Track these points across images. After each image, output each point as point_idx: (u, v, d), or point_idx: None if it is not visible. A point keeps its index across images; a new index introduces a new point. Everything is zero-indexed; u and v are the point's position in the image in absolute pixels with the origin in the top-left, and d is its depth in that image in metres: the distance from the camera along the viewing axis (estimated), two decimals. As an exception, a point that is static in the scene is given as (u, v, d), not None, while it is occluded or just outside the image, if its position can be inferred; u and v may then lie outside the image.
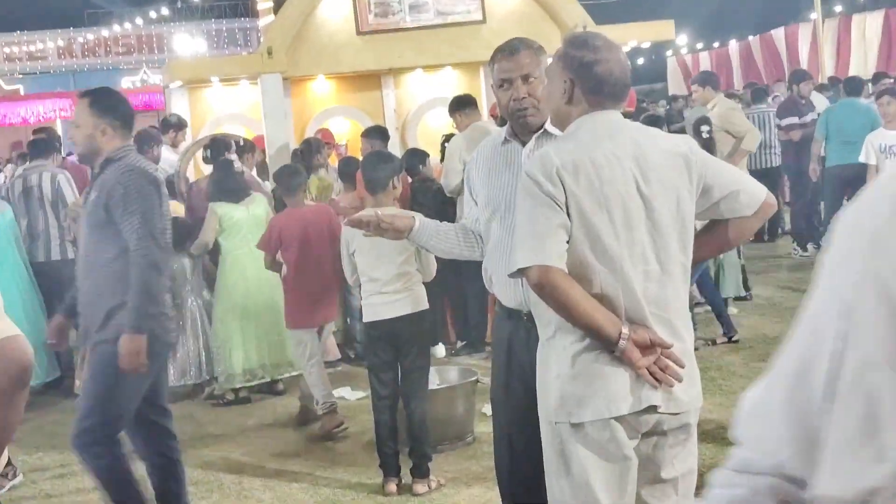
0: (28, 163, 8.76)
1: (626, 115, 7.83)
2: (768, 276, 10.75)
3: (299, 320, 6.67)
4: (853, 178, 9.82)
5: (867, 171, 9.66)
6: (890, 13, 25.14)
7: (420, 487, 5.29)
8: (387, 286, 5.33)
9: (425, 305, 5.47)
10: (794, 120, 11.89)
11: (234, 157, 8.41)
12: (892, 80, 14.63)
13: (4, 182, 9.90)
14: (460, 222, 3.93)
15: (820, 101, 12.85)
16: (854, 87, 11.76)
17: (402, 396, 5.45)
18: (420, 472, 5.35)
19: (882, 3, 30.82)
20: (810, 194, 11.86)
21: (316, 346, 6.64)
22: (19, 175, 8.45)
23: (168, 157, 9.37)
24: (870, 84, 15.23)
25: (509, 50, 3.60)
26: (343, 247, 5.59)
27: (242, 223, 7.38)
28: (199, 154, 9.57)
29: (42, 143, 8.65)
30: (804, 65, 23.31)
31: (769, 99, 13.74)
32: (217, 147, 8.41)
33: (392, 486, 5.37)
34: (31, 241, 8.07)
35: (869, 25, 25.02)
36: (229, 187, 7.46)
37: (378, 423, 5.49)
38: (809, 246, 11.51)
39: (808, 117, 11.84)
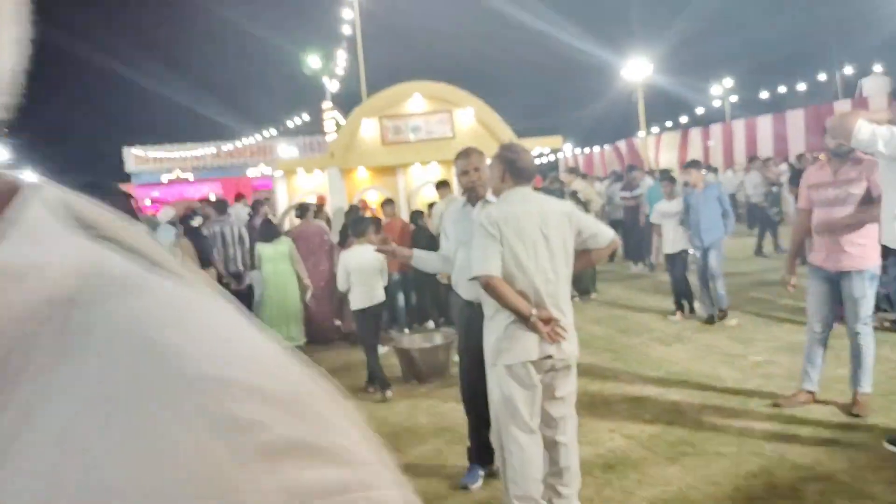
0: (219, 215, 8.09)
1: (535, 188, 8.29)
2: (615, 282, 11.17)
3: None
4: None
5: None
6: (687, 131, 27.07)
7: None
8: (369, 289, 5.88)
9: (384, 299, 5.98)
10: (627, 193, 12.02)
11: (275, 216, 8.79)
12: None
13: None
14: (440, 252, 4.06)
15: (645, 183, 12.49)
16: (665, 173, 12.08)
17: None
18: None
19: (678, 127, 32.80)
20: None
21: None
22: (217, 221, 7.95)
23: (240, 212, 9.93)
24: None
25: (465, 154, 3.86)
26: (341, 269, 5.94)
27: (271, 255, 7.56)
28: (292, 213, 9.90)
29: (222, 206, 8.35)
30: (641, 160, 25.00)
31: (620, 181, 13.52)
32: (301, 209, 8.57)
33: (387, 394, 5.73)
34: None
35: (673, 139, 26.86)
36: (267, 233, 7.73)
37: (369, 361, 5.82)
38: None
39: (637, 192, 11.90)
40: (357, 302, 5.96)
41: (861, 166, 4.31)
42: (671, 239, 7.82)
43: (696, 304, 7.85)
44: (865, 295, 4.34)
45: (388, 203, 9.00)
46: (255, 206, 9.89)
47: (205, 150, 34.59)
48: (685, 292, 7.95)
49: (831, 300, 4.52)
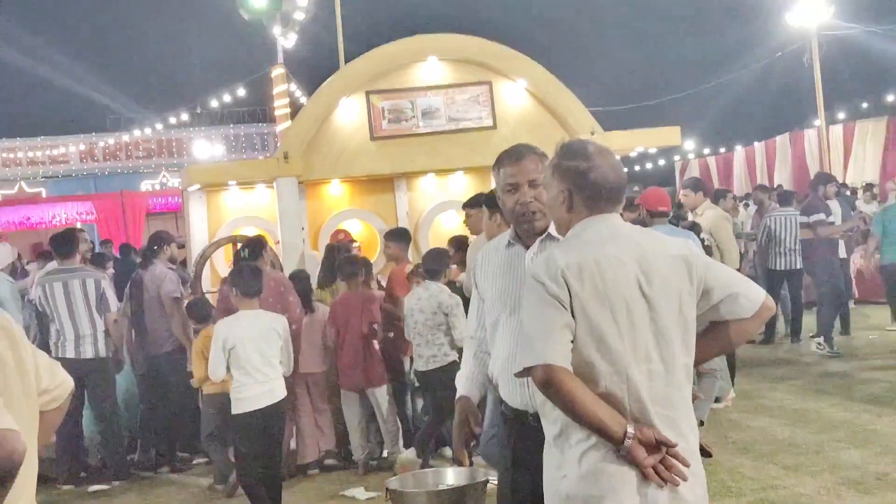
0: (57, 263, 9.22)
1: (662, 214, 8.30)
2: (783, 380, 11.06)
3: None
4: None
5: None
6: (893, 121, 26.39)
7: None
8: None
9: None
10: (822, 216, 12.56)
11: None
12: None
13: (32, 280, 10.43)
14: (472, 346, 4.17)
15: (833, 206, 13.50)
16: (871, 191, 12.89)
17: None
18: None
19: (884, 111, 32.43)
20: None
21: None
22: (53, 274, 8.95)
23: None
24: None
25: (515, 155, 3.89)
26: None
27: None
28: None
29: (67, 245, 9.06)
30: (811, 170, 24.42)
31: (794, 201, 14.24)
32: (253, 247, 8.85)
33: None
34: (77, 339, 8.65)
35: (873, 130, 26.59)
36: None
37: None
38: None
39: (831, 217, 12.59)
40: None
41: None
42: None
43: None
44: None
45: (396, 236, 9.22)
46: (154, 244, 9.94)
47: (68, 147, 34.87)
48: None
49: None
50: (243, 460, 6.93)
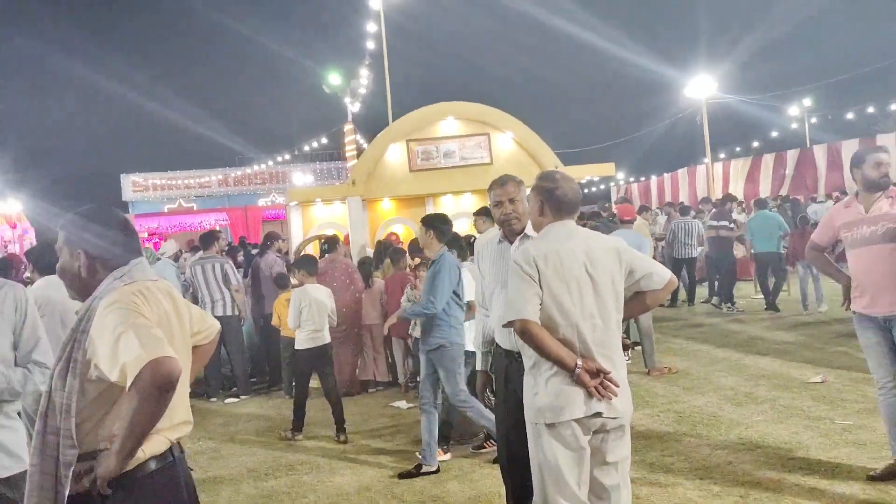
0: (202, 252, 9.28)
1: (628, 222, 8.31)
2: (682, 329, 11.02)
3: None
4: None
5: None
6: (755, 159, 26.37)
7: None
8: None
9: None
10: (725, 223, 12.61)
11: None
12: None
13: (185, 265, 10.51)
14: (484, 304, 4.10)
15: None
16: (762, 203, 12.83)
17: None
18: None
19: (749, 153, 32.68)
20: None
21: None
22: (198, 261, 9.01)
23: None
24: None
25: (500, 182, 3.92)
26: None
27: None
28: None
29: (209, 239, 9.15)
30: (701, 194, 24.84)
31: (691, 212, 14.46)
32: (330, 242, 9.07)
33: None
34: (212, 303, 8.69)
35: (742, 166, 26.77)
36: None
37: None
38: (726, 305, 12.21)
39: (723, 222, 12.61)
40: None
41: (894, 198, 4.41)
42: None
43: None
44: None
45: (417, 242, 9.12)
46: (267, 241, 9.98)
47: (210, 177, 35.49)
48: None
49: (890, 350, 4.45)
50: (298, 380, 6.99)
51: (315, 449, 6.53)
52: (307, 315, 6.78)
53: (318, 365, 6.86)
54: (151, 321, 2.22)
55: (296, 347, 6.90)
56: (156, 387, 2.07)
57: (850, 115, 37.18)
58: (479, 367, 4.19)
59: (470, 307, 5.74)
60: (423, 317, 5.58)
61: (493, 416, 5.21)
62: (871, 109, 36.88)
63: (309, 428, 7.02)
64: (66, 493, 2.14)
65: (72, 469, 2.14)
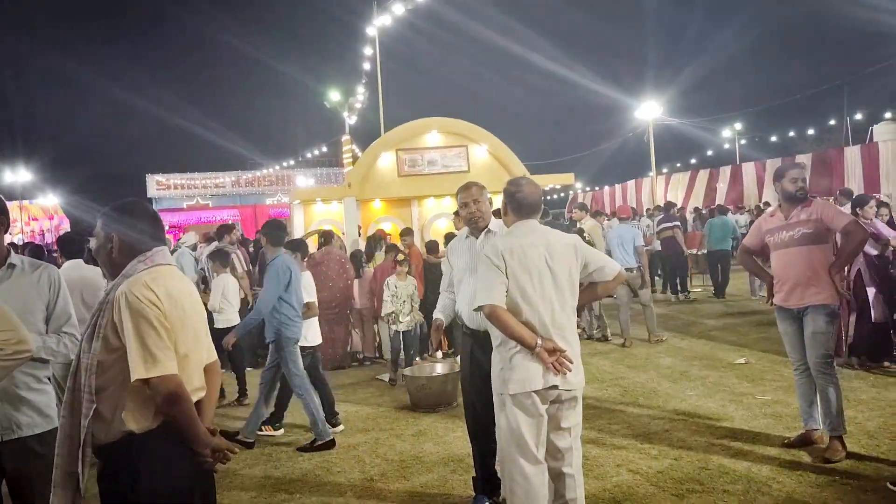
0: (216, 244, 8.98)
1: (625, 219, 8.58)
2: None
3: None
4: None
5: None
6: (693, 174, 26.74)
7: None
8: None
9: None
10: (675, 224, 12.75)
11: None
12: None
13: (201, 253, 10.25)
14: (443, 284, 4.15)
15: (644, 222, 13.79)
16: (722, 210, 13.11)
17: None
18: None
19: (688, 168, 33.05)
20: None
21: None
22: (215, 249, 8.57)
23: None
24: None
25: (466, 187, 3.94)
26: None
27: None
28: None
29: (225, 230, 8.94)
30: (646, 202, 25.48)
31: (636, 219, 14.71)
32: (326, 236, 8.86)
33: None
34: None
35: (682, 179, 27.16)
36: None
37: None
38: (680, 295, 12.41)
39: (674, 223, 12.78)
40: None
41: (811, 208, 4.46)
42: None
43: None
44: (824, 331, 4.34)
45: (407, 232, 9.09)
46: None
47: (225, 178, 35.42)
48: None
49: (802, 338, 4.49)
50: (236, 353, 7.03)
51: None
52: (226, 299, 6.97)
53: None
54: (161, 324, 2.20)
55: (221, 327, 6.74)
56: (165, 402, 2.16)
57: (773, 138, 37.61)
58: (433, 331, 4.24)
59: (309, 307, 5.64)
60: (255, 322, 5.41)
61: (317, 411, 5.27)
62: (791, 133, 37.31)
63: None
64: (83, 438, 2.17)
65: (88, 419, 2.16)
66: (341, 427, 5.76)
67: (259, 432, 5.63)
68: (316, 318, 6.02)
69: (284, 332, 5.33)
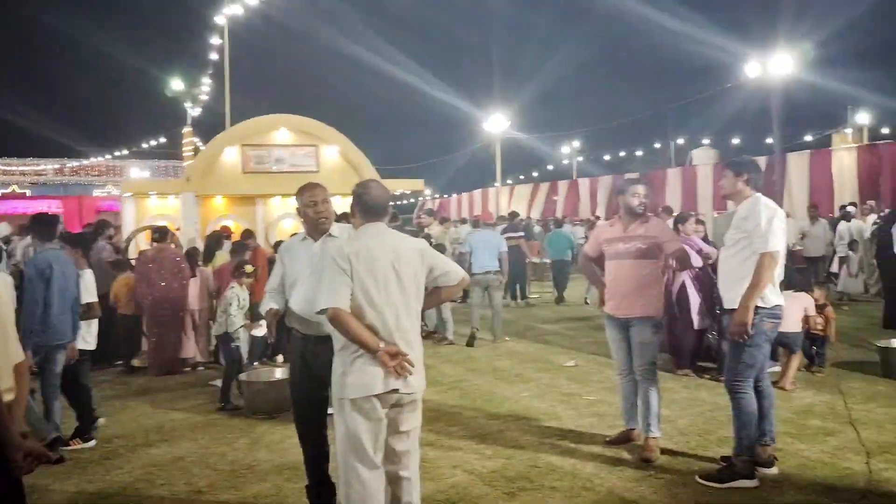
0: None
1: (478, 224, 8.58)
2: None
3: None
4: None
5: None
6: (535, 186, 29.18)
7: None
8: None
9: None
10: (519, 234, 12.93)
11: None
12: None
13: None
14: (268, 287, 3.96)
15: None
16: (558, 223, 13.78)
17: None
18: None
19: (531, 181, 35.13)
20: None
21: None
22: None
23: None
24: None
25: (312, 186, 3.84)
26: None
27: None
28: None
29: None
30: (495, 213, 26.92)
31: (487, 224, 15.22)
32: (161, 232, 8.33)
33: None
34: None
35: (524, 190, 28.79)
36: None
37: None
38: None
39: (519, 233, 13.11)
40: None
41: (649, 224, 4.75)
42: None
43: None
44: (650, 341, 4.67)
45: (248, 235, 8.84)
46: (98, 229, 9.05)
47: (46, 166, 32.43)
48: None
49: (628, 345, 4.80)
50: None
51: (129, 421, 6.00)
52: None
53: None
54: None
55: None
56: None
57: (606, 157, 40.49)
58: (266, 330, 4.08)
59: (91, 307, 5.43)
60: (32, 326, 4.89)
61: (54, 415, 5.09)
62: (622, 153, 40.41)
63: (124, 400, 6.45)
64: None
65: None
66: (93, 442, 5.35)
67: (66, 447, 5.12)
68: (96, 321, 5.59)
69: (48, 338, 4.91)
